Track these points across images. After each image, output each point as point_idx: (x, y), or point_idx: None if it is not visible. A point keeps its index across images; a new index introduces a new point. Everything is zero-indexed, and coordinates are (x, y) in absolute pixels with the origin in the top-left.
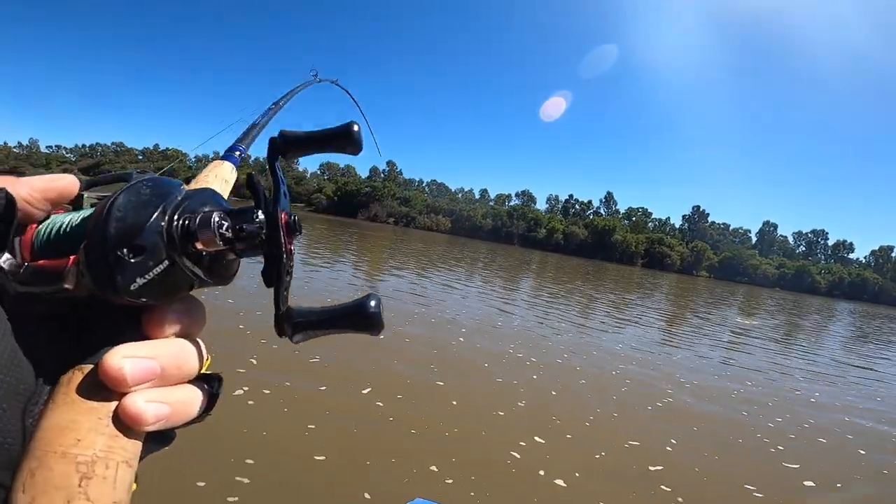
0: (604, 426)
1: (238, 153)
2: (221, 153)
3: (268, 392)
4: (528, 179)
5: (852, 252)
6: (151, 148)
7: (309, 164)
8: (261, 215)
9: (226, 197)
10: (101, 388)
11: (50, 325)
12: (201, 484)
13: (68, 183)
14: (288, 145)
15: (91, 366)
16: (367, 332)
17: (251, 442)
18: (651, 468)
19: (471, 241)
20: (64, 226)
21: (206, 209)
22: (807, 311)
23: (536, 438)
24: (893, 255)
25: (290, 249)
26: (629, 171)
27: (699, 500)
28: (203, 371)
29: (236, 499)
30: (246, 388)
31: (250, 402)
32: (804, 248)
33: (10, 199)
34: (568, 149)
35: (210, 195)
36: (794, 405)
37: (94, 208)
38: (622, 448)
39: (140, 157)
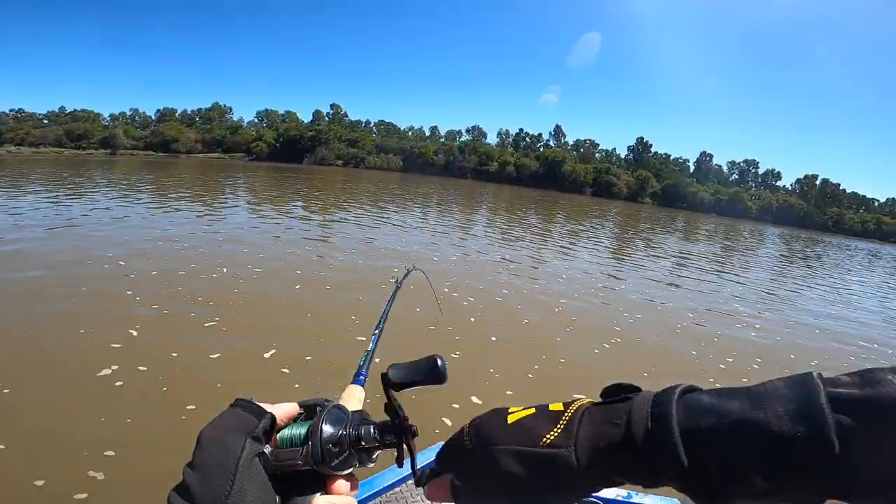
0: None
1: (362, 377)
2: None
3: (144, 369)
4: (478, 115)
5: (780, 180)
6: (57, 111)
7: (245, 112)
8: (394, 425)
9: (360, 408)
10: None
11: (283, 483)
12: (39, 483)
13: (295, 408)
14: (394, 380)
15: None
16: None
17: (112, 432)
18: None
19: (424, 177)
20: (298, 434)
21: (366, 424)
22: (739, 235)
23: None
24: (817, 182)
25: (412, 445)
26: (577, 105)
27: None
28: None
29: (85, 495)
30: (115, 367)
31: (118, 384)
32: (737, 177)
33: (274, 420)
34: (517, 84)
35: (361, 415)
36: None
37: (311, 423)
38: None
39: (46, 122)
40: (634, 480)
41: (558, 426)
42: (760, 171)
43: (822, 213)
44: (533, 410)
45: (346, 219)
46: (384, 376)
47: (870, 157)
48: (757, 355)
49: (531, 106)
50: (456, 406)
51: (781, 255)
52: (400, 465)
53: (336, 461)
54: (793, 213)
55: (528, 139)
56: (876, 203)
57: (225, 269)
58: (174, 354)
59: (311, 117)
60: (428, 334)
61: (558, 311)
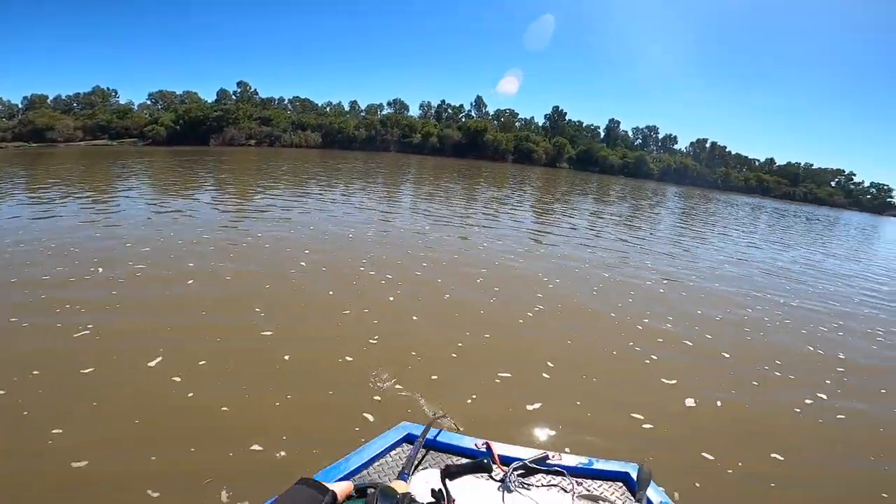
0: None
1: (406, 475)
2: None
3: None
4: (399, 89)
5: (676, 143)
6: None
7: (135, 95)
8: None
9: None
10: None
11: None
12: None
13: (350, 486)
14: (450, 476)
15: None
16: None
17: None
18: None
19: (346, 152)
20: None
21: (415, 502)
22: (644, 195)
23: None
24: (707, 145)
25: None
26: (496, 75)
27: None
28: None
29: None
30: None
31: None
32: (640, 141)
33: (335, 497)
34: (436, 57)
35: (410, 497)
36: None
37: (365, 500)
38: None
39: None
40: None
41: None
42: (660, 136)
43: (712, 172)
44: None
45: (258, 199)
46: (442, 472)
47: (751, 122)
48: (668, 313)
49: (454, 77)
50: (378, 399)
51: (682, 211)
52: None
53: None
54: (688, 173)
55: (450, 110)
56: (756, 162)
57: (101, 269)
58: (36, 373)
59: (215, 97)
60: (342, 319)
61: (481, 283)
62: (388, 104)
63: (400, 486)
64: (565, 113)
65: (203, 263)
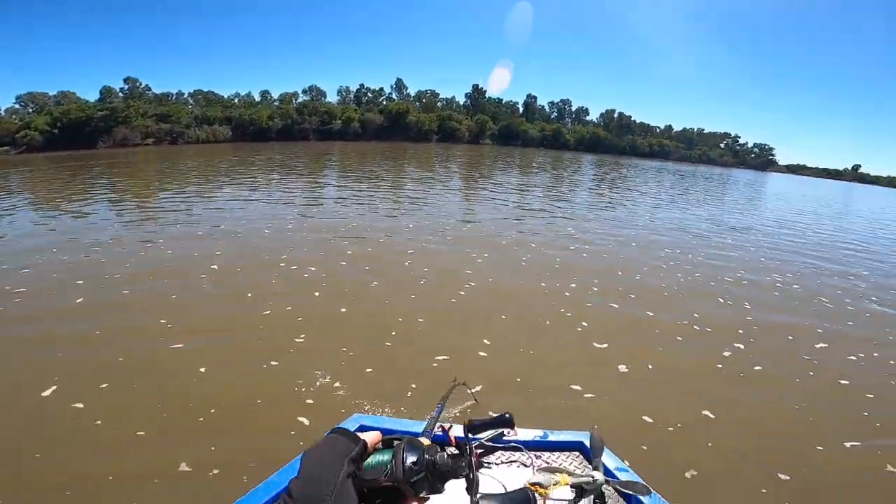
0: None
1: (428, 433)
2: None
3: None
4: (314, 75)
5: (588, 115)
6: None
7: (1, 99)
8: (466, 457)
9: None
10: None
11: (367, 500)
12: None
13: (379, 436)
14: (473, 430)
15: None
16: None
17: None
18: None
19: (260, 144)
20: (384, 458)
21: (440, 453)
22: (564, 164)
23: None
24: (615, 115)
25: (478, 475)
26: (415, 57)
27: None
28: None
29: None
30: None
31: None
32: (556, 114)
33: (366, 446)
34: (353, 41)
35: (435, 449)
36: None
37: (392, 450)
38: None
39: None
40: None
41: None
42: (573, 109)
43: (621, 140)
44: None
45: (159, 201)
46: (465, 426)
47: (652, 92)
48: (594, 276)
49: (372, 61)
50: (310, 402)
51: (598, 178)
52: (469, 491)
53: (414, 479)
54: (600, 142)
55: (370, 94)
56: (657, 129)
57: None
58: None
59: (99, 95)
60: (264, 320)
61: (409, 266)
62: (304, 92)
63: (424, 442)
64: (484, 91)
65: (95, 283)
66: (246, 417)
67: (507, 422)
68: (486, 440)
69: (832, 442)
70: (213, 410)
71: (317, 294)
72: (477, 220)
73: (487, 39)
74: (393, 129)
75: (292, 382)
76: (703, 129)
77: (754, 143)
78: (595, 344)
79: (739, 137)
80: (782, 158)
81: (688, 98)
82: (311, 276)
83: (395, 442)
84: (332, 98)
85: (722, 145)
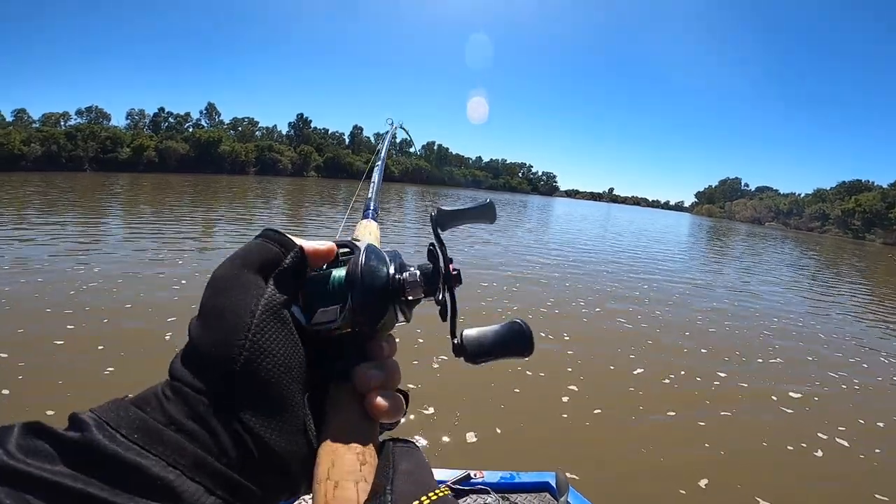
0: None
1: (372, 211)
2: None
3: None
4: (95, 95)
5: (411, 147)
6: None
7: None
8: (439, 271)
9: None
10: (356, 396)
11: (317, 350)
12: None
13: (331, 247)
14: (443, 220)
15: (349, 383)
16: (523, 356)
17: None
18: None
19: (9, 175)
20: (333, 282)
21: (411, 269)
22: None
23: None
24: (436, 147)
25: (455, 297)
26: (231, 82)
27: None
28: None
29: None
30: None
31: None
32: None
33: (304, 258)
34: (153, 58)
35: (397, 255)
36: None
37: (346, 267)
38: None
39: None
40: None
41: None
42: (397, 140)
43: (440, 171)
44: None
45: None
46: (433, 217)
47: (462, 125)
48: None
49: (175, 83)
50: None
51: (419, 209)
52: (444, 318)
53: (380, 317)
54: (422, 173)
55: (171, 119)
56: (470, 160)
57: None
58: None
59: None
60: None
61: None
62: (79, 113)
63: (370, 232)
64: (310, 120)
65: None
66: None
67: (487, 209)
68: (453, 482)
69: None
70: None
71: (107, 372)
72: None
73: (314, 66)
74: (201, 159)
75: None
76: (505, 160)
77: (542, 172)
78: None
79: (532, 166)
80: (563, 184)
81: (493, 130)
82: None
83: (345, 252)
84: (119, 122)
85: (520, 174)
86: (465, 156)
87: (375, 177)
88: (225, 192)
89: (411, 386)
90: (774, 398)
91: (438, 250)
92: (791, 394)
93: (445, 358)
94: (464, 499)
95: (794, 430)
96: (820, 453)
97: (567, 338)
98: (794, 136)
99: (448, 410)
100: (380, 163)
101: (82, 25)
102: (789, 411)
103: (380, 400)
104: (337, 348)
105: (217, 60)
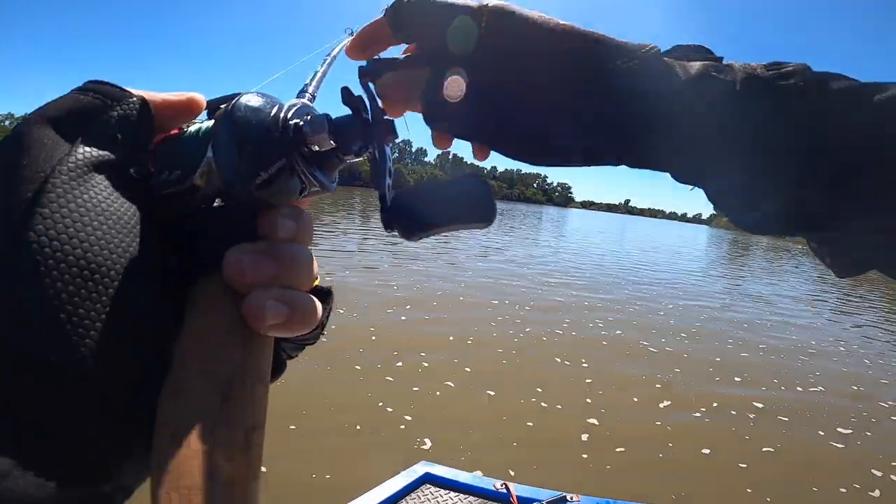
0: None
1: (311, 95)
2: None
3: None
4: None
5: (426, 156)
6: None
7: None
8: (362, 116)
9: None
10: (228, 293)
11: (173, 237)
12: None
13: (194, 101)
14: (381, 67)
15: (217, 273)
16: (482, 223)
17: None
18: None
19: None
20: (192, 134)
21: (316, 113)
22: None
23: None
24: (450, 157)
25: (387, 152)
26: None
27: None
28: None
29: None
30: None
31: None
32: (397, 154)
33: (146, 109)
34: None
35: (306, 105)
36: None
37: (212, 123)
38: None
39: None
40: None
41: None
42: (413, 149)
43: None
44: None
45: None
46: (361, 70)
47: None
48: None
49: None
50: None
51: None
52: (375, 183)
53: (266, 173)
54: None
55: None
56: (485, 170)
57: None
58: None
59: None
60: None
61: None
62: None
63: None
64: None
65: None
66: None
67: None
68: (547, 503)
69: None
70: None
71: None
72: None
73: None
74: None
75: None
76: (520, 170)
77: (557, 183)
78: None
79: (547, 177)
80: (578, 195)
81: None
82: None
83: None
84: None
85: (535, 185)
86: (480, 165)
87: (324, 66)
88: None
89: (407, 417)
90: (821, 433)
91: (365, 96)
92: (839, 428)
93: (451, 384)
94: None
95: (845, 468)
96: (877, 493)
97: (585, 365)
98: None
99: (450, 446)
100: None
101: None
102: (839, 446)
103: (261, 300)
104: (209, 230)
105: (214, 69)
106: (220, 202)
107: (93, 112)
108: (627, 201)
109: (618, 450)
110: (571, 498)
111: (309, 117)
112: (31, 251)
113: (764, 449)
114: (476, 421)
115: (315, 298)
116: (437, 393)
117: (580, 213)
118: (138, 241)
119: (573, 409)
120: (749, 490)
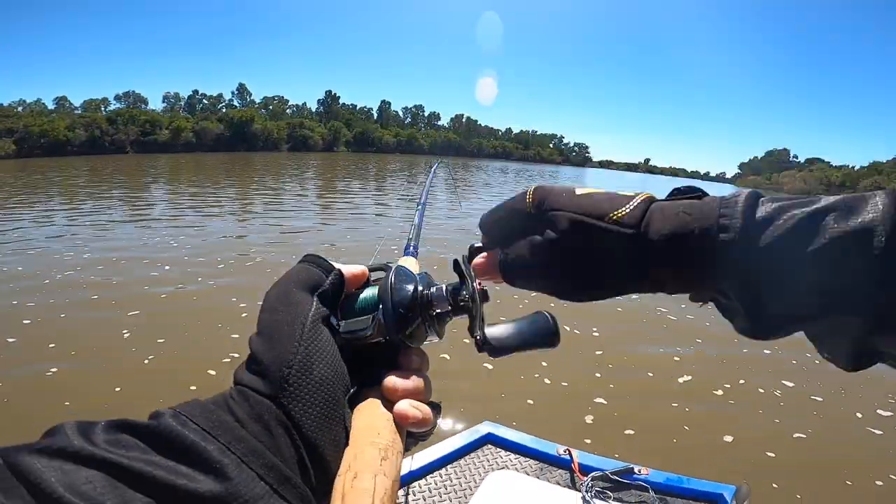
0: None
1: (413, 249)
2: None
3: None
4: (132, 80)
5: (440, 120)
6: None
7: None
8: (468, 288)
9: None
10: (384, 401)
11: (353, 358)
12: None
13: (363, 271)
14: (473, 252)
15: (377, 387)
16: (547, 347)
17: None
18: None
19: (57, 159)
20: (369, 297)
21: (435, 285)
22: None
23: None
24: (464, 120)
25: (483, 312)
26: (261, 62)
27: None
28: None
29: None
30: None
31: None
32: (410, 119)
33: (342, 278)
34: (184, 43)
35: (426, 275)
36: None
37: (378, 286)
38: None
39: None
40: (672, 280)
41: (627, 207)
42: (426, 114)
43: (469, 143)
44: (602, 190)
45: None
46: (464, 256)
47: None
48: None
49: (207, 64)
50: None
51: (450, 181)
52: (472, 332)
53: (410, 328)
54: (451, 146)
55: (205, 101)
56: (500, 132)
57: None
58: None
59: None
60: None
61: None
62: (118, 98)
63: (409, 265)
64: (339, 96)
65: None
66: None
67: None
68: (612, 473)
69: None
70: None
71: (146, 362)
72: (352, 241)
73: (340, 43)
74: (236, 138)
75: None
76: (536, 131)
77: (574, 143)
78: None
79: (564, 137)
80: (596, 155)
81: (522, 101)
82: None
83: (378, 274)
84: (156, 105)
85: (551, 145)
86: (495, 127)
87: (417, 219)
88: (277, 170)
89: None
90: (860, 415)
91: (464, 267)
92: (880, 411)
93: (447, 357)
94: (619, 492)
95: (882, 456)
96: None
97: (596, 334)
98: (848, 105)
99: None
100: (420, 207)
101: (116, 19)
102: (877, 432)
103: (405, 407)
104: (371, 357)
105: (245, 40)
106: (380, 339)
107: (319, 282)
108: (647, 160)
109: (627, 431)
110: (640, 471)
111: (433, 290)
112: (310, 362)
113: (795, 435)
114: (475, 395)
115: (432, 408)
116: (433, 367)
117: (598, 173)
118: (343, 365)
119: (581, 384)
120: (775, 486)
